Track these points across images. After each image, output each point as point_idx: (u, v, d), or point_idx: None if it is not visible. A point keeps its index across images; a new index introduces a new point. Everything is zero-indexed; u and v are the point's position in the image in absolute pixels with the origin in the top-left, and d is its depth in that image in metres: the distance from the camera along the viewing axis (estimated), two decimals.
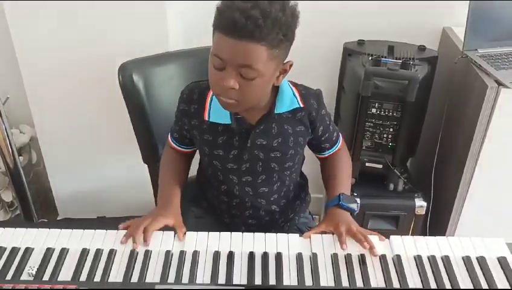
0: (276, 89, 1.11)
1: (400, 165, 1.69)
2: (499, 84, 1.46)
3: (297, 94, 1.14)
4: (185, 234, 1.07)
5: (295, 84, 1.16)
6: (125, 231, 1.07)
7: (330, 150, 1.27)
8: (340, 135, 1.29)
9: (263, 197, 1.22)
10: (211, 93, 1.12)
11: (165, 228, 1.08)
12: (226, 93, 1.00)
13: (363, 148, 1.68)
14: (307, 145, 1.24)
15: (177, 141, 1.26)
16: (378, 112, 1.61)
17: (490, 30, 1.63)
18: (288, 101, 1.13)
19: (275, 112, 1.12)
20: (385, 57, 1.65)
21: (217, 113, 1.12)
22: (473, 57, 1.57)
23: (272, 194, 1.22)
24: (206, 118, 1.13)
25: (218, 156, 1.16)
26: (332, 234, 1.10)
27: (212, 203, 1.29)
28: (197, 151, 1.27)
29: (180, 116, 1.19)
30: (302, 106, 1.14)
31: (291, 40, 1.00)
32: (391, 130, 1.63)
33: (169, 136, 1.28)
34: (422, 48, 1.73)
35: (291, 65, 1.05)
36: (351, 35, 1.80)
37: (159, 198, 1.18)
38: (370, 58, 1.65)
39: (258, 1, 0.92)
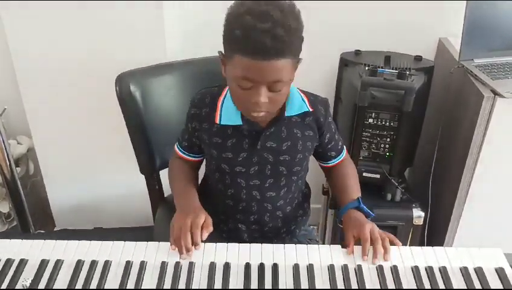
0: None
1: (397, 175, 1.69)
2: (495, 94, 1.46)
3: (305, 99, 1.16)
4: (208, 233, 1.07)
5: (303, 91, 1.18)
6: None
7: (336, 159, 1.29)
8: (344, 145, 1.31)
9: (270, 202, 1.22)
10: (221, 97, 1.15)
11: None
12: (257, 109, 1.02)
13: (360, 158, 1.67)
14: (312, 155, 1.25)
15: (186, 149, 1.26)
16: (375, 122, 1.61)
17: (486, 40, 1.64)
18: (298, 104, 1.15)
19: (285, 114, 1.14)
20: (382, 67, 1.65)
21: (228, 115, 1.13)
22: (469, 67, 1.58)
23: (278, 199, 1.23)
24: (218, 121, 1.14)
25: (227, 158, 1.16)
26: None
27: (215, 210, 1.27)
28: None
29: (191, 121, 1.20)
30: (311, 110, 1.16)
31: (303, 39, 1.02)
32: (388, 140, 1.63)
33: (176, 146, 1.29)
34: (418, 58, 1.74)
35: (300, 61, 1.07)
36: (348, 45, 1.81)
37: (178, 203, 1.17)
38: (366, 68, 1.65)
39: (272, 15, 0.92)
